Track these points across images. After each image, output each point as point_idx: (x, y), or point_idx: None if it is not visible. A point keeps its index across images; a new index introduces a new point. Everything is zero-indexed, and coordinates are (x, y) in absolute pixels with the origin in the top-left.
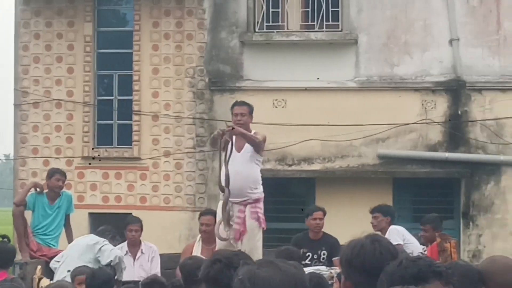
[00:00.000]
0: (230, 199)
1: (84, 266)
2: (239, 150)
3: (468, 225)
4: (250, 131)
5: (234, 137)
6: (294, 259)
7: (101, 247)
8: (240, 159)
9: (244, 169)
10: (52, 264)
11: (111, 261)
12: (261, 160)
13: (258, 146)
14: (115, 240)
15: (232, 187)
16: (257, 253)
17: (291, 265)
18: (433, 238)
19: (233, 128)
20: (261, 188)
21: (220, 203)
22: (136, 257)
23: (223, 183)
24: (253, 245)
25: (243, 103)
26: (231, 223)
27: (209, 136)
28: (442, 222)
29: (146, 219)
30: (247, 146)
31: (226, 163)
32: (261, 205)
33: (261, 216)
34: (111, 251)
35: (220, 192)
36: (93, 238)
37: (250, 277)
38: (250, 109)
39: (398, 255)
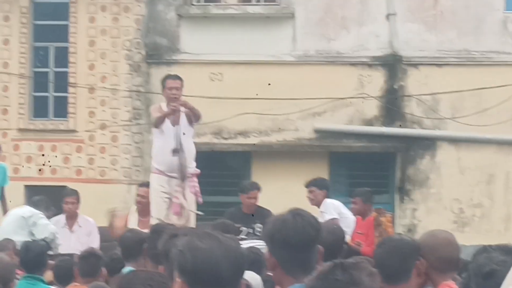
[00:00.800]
0: (169, 174)
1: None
2: (174, 124)
3: (403, 199)
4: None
5: (168, 111)
6: (230, 233)
7: (36, 221)
8: (177, 134)
9: (186, 144)
10: None
11: (45, 236)
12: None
13: (198, 120)
14: (49, 210)
15: (172, 163)
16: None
17: (229, 238)
18: (363, 211)
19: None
20: (194, 163)
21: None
22: (73, 230)
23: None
24: (190, 218)
25: (177, 77)
26: (170, 198)
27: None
28: (373, 196)
29: (81, 191)
30: (183, 121)
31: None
32: (196, 179)
33: (198, 189)
34: (46, 226)
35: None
36: (29, 210)
37: (191, 249)
38: (183, 83)
39: (320, 228)
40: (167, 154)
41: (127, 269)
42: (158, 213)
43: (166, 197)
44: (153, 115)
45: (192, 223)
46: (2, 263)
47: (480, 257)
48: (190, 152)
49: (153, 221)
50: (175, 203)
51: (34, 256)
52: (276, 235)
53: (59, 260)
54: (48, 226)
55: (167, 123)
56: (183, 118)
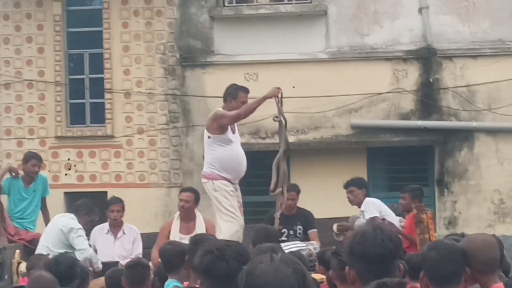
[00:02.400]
0: (234, 182)
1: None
2: (233, 132)
3: (443, 192)
4: None
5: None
6: (271, 238)
7: (74, 237)
8: (237, 141)
9: (242, 151)
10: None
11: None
12: None
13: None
14: (91, 214)
15: (242, 171)
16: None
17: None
18: (410, 207)
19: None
20: None
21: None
22: (117, 237)
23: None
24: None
25: (248, 91)
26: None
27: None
28: (422, 193)
29: (121, 196)
30: (236, 127)
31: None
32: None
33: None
34: (82, 252)
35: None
36: (68, 223)
37: (249, 271)
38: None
39: (400, 242)
40: (241, 161)
41: (170, 283)
42: (239, 217)
43: (237, 202)
44: (223, 121)
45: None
46: (44, 280)
47: None
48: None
49: (233, 227)
50: (240, 207)
51: (64, 269)
52: (356, 248)
53: (111, 271)
54: (84, 253)
55: (230, 131)
56: (235, 126)
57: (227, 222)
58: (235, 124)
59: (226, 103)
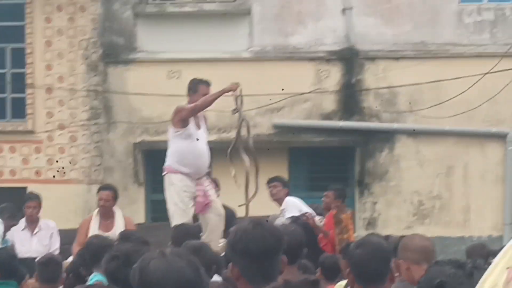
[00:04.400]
0: (193, 176)
1: None
2: (198, 128)
3: (363, 193)
4: None
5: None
6: (190, 235)
7: None
8: (202, 135)
9: (204, 146)
10: None
11: None
12: None
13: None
14: (14, 219)
15: (202, 165)
16: (222, 221)
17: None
18: (331, 206)
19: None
20: None
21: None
22: (34, 232)
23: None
24: (221, 212)
25: (209, 84)
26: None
27: (106, 111)
28: (346, 193)
29: (41, 192)
30: (203, 124)
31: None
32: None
33: (214, 186)
34: None
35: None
36: None
37: (142, 268)
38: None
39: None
40: (199, 156)
41: (94, 276)
42: (188, 212)
43: (193, 197)
44: (182, 113)
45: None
46: None
47: (431, 269)
48: (208, 154)
49: (178, 221)
50: (198, 202)
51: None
52: (237, 245)
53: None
54: None
55: (193, 125)
56: (203, 123)
57: (173, 216)
58: (203, 120)
59: (189, 97)
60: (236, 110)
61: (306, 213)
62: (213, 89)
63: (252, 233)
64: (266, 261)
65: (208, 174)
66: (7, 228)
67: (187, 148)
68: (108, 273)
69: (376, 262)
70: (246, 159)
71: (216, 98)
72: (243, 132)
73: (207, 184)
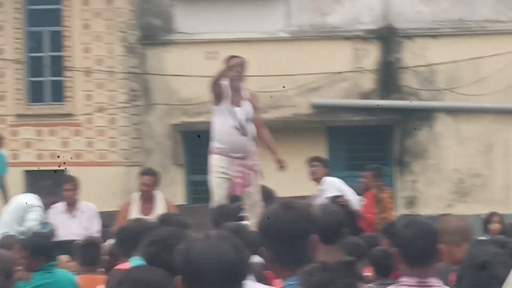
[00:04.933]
0: (232, 154)
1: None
2: (237, 105)
3: (403, 172)
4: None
5: (230, 91)
6: (230, 216)
7: (30, 212)
8: (240, 115)
9: (245, 125)
10: None
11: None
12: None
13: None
14: (52, 196)
15: (236, 143)
16: (261, 204)
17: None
18: (371, 186)
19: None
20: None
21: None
22: (74, 215)
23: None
24: (259, 196)
25: (239, 57)
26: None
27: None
28: (383, 172)
29: (81, 175)
30: (246, 105)
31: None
32: (256, 157)
33: (259, 168)
34: (32, 222)
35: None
36: (29, 200)
37: (186, 250)
38: (246, 63)
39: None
40: (231, 134)
41: (135, 260)
42: (219, 193)
43: (227, 177)
44: (211, 87)
45: (259, 200)
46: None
47: (474, 249)
48: (251, 133)
49: (215, 203)
50: (238, 183)
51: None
52: (269, 230)
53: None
54: (30, 222)
55: (230, 102)
56: (246, 103)
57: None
58: (244, 98)
59: None
60: None
61: (342, 195)
62: (252, 70)
63: (283, 216)
64: (298, 244)
65: (253, 154)
66: (47, 206)
67: (222, 124)
68: (147, 258)
69: (425, 242)
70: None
71: None
72: None
73: (251, 165)
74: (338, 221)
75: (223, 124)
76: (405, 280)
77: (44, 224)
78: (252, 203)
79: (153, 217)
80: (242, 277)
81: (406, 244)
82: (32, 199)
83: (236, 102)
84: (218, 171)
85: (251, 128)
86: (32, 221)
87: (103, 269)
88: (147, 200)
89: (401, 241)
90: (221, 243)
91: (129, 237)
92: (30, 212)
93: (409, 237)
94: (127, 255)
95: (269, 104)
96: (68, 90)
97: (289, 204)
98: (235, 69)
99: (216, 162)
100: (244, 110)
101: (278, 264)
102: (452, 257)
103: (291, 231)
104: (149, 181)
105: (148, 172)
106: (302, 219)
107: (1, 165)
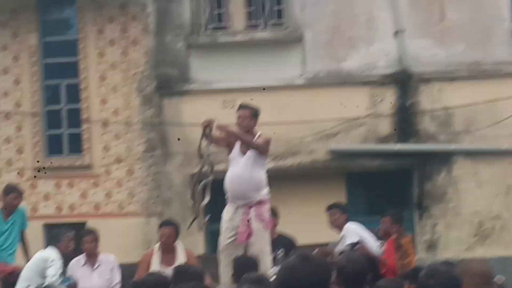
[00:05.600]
0: (234, 202)
1: None
2: (243, 154)
3: (422, 215)
4: (254, 135)
5: (239, 141)
6: (250, 267)
7: (49, 266)
8: (243, 162)
9: (246, 172)
10: None
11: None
12: (265, 163)
13: (255, 148)
14: (61, 239)
15: (235, 191)
16: (266, 256)
17: None
18: (390, 232)
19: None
20: (265, 191)
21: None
22: (94, 268)
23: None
24: (262, 247)
25: (245, 107)
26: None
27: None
28: (403, 217)
29: (101, 226)
30: (251, 150)
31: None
32: (265, 207)
33: (266, 217)
34: (48, 280)
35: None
36: (47, 254)
37: None
38: (253, 112)
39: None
40: (231, 181)
41: None
42: (222, 242)
43: (229, 226)
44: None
45: (267, 251)
46: None
47: None
48: (255, 180)
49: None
50: (241, 232)
51: None
52: (288, 283)
53: None
54: (53, 278)
55: (235, 151)
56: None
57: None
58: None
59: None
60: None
61: (358, 243)
62: (269, 117)
63: (300, 268)
64: None
65: (260, 203)
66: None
67: (228, 173)
68: None
69: None
70: (206, 198)
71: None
72: (206, 168)
73: (256, 214)
74: (362, 268)
75: (228, 173)
76: None
77: (65, 277)
78: (255, 252)
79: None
80: None
81: None
82: (51, 252)
83: (243, 151)
84: (224, 219)
85: (256, 174)
86: (53, 276)
87: None
88: (168, 251)
89: None
90: None
91: None
92: (50, 268)
93: (431, 287)
94: None
95: (286, 150)
96: (85, 142)
97: (306, 255)
98: (239, 120)
99: (224, 211)
100: (247, 158)
101: None
102: None
103: (309, 282)
104: (170, 233)
105: (168, 223)
106: (320, 269)
107: (21, 219)
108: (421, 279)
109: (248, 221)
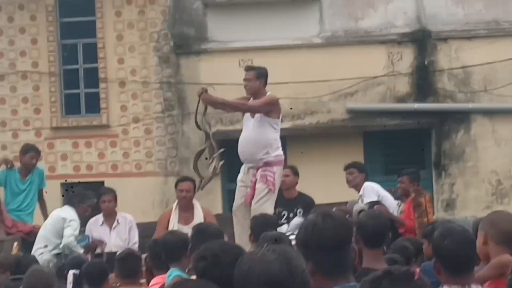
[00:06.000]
0: (246, 163)
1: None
2: (253, 116)
3: (441, 174)
4: (264, 95)
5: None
6: (269, 225)
7: (65, 227)
8: (252, 124)
9: (253, 134)
10: None
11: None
12: (275, 123)
13: (245, 111)
14: (85, 201)
15: (243, 153)
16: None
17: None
18: (409, 191)
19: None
20: (275, 152)
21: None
22: (113, 227)
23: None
24: (258, 207)
25: (249, 68)
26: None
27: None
28: (420, 176)
29: (118, 186)
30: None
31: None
32: (273, 169)
33: (270, 179)
34: (64, 240)
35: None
36: (65, 214)
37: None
38: (257, 73)
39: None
40: (240, 143)
41: (172, 272)
42: (236, 201)
43: (242, 186)
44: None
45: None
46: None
47: None
48: (262, 142)
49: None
50: (248, 193)
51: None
52: (309, 241)
53: (87, 264)
54: (70, 238)
55: (247, 113)
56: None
57: None
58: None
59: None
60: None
61: (377, 202)
62: (287, 76)
63: (323, 226)
64: (340, 252)
65: (268, 164)
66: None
67: (241, 135)
68: (197, 272)
69: (463, 251)
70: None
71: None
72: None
73: (259, 175)
74: (383, 225)
75: (241, 135)
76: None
77: (83, 236)
78: (255, 213)
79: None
80: None
81: (444, 255)
82: (69, 212)
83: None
84: (238, 179)
85: (263, 136)
86: (69, 237)
87: (144, 281)
88: (186, 209)
89: (439, 251)
90: (269, 254)
91: (164, 250)
92: (68, 228)
93: (446, 247)
94: (162, 268)
95: (304, 110)
96: (103, 101)
97: (328, 213)
98: (244, 83)
99: (240, 173)
100: (256, 119)
101: (320, 274)
102: (485, 250)
103: (332, 239)
104: (189, 187)
105: (185, 178)
106: (342, 227)
107: (39, 179)
108: (435, 239)
109: (254, 182)
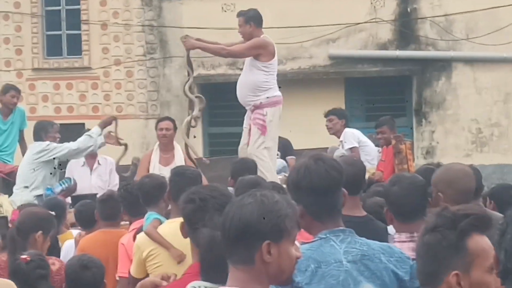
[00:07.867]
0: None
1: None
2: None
3: (421, 122)
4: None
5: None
6: (249, 169)
7: (52, 148)
8: (244, 68)
9: (243, 77)
10: None
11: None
12: (265, 66)
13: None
14: (50, 131)
15: (238, 96)
16: (259, 160)
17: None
18: (390, 140)
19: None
20: (266, 94)
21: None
22: (93, 168)
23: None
24: (254, 151)
25: (238, 14)
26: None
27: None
28: (395, 122)
29: None
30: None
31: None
32: (263, 111)
33: (259, 121)
34: (61, 147)
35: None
36: (38, 144)
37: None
38: (246, 18)
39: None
40: (237, 87)
41: (150, 215)
42: (240, 143)
43: (245, 128)
44: None
45: (260, 155)
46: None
47: None
48: (250, 84)
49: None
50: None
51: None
52: (301, 183)
53: (80, 204)
54: (62, 147)
55: (247, 58)
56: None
57: None
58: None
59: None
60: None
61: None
62: (269, 22)
63: (315, 168)
64: (330, 196)
65: (258, 107)
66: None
67: None
68: (184, 215)
69: (412, 198)
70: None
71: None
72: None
73: (252, 118)
74: (361, 171)
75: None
76: (396, 236)
77: (66, 178)
78: (249, 156)
79: (172, 167)
80: (261, 235)
81: (392, 201)
82: (41, 143)
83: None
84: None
85: (251, 78)
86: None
87: (126, 223)
88: (166, 150)
89: (388, 197)
90: (246, 198)
91: (142, 193)
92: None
93: (395, 194)
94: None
95: (286, 55)
96: (84, 43)
97: (320, 156)
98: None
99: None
100: (247, 62)
101: (310, 218)
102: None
103: (323, 182)
104: (168, 125)
105: (165, 118)
106: (333, 170)
107: (20, 119)
108: (386, 186)
109: (250, 125)
